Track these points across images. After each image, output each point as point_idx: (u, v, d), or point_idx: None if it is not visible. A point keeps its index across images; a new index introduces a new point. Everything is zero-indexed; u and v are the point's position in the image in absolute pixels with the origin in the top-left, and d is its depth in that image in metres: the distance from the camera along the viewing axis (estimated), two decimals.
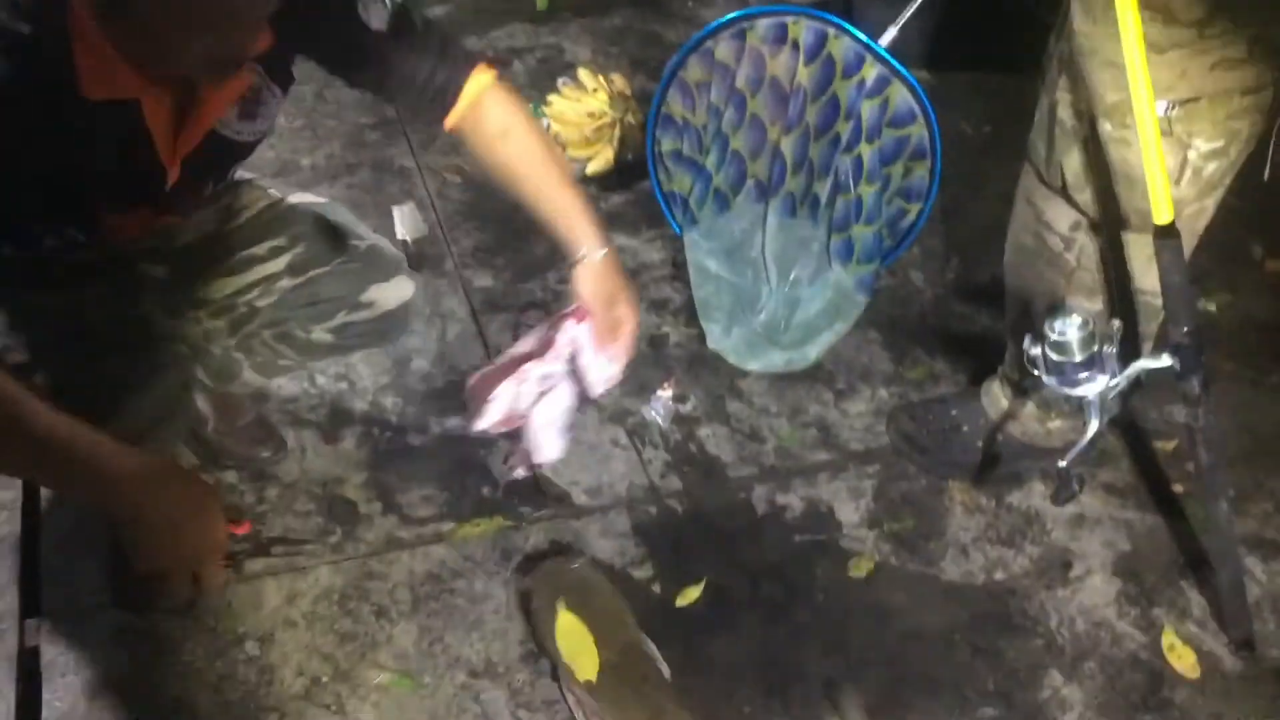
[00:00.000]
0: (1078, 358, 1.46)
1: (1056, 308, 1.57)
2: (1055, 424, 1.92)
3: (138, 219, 1.42)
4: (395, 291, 1.65)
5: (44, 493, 1.81)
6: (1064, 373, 1.48)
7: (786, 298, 2.22)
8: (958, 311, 2.37)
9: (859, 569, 1.84)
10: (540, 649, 1.66)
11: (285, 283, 1.59)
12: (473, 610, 1.73)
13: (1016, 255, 1.85)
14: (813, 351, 2.20)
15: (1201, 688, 1.71)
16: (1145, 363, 1.49)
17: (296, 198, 1.64)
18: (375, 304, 1.64)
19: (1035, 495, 1.97)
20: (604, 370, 1.55)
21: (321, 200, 1.67)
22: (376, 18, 1.42)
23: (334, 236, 1.62)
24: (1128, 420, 2.09)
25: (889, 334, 2.30)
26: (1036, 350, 1.50)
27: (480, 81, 1.48)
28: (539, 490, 1.92)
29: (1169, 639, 1.76)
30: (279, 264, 1.59)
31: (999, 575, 1.85)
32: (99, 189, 1.32)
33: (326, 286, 1.60)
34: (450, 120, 1.49)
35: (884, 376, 2.21)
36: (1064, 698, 1.68)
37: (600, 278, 1.50)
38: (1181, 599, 1.83)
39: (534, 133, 1.51)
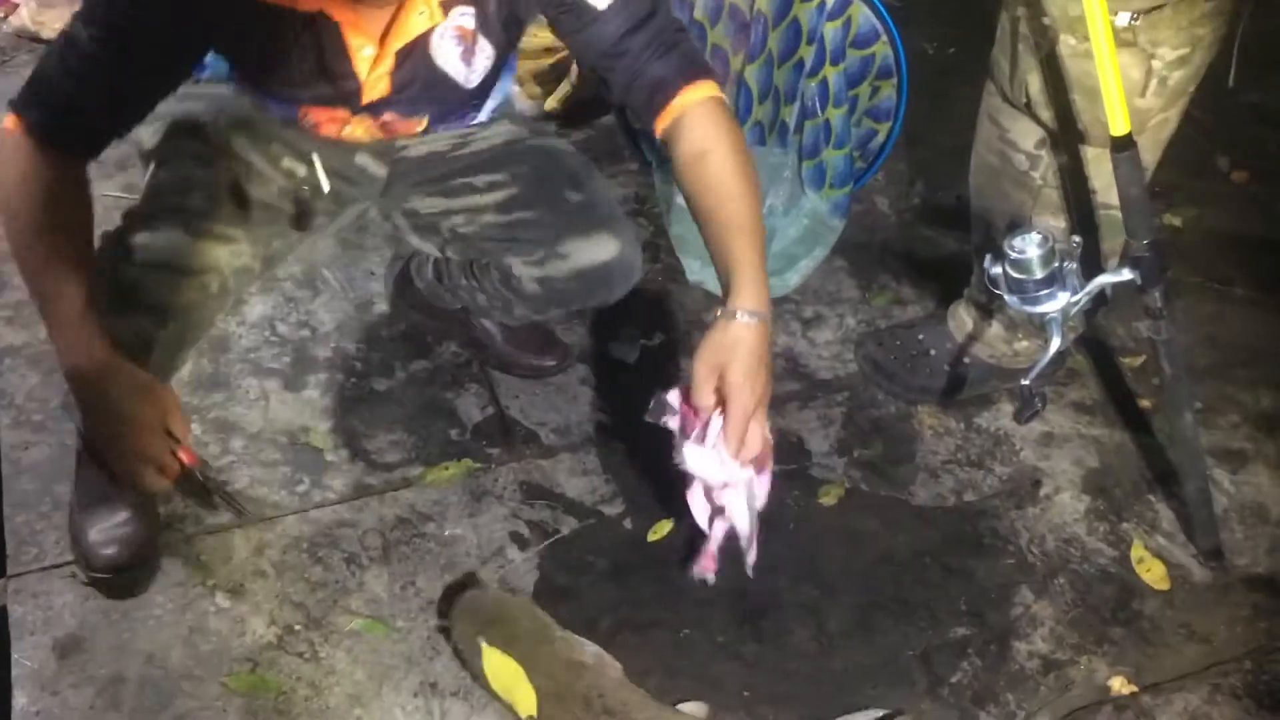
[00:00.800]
0: (1038, 275, 1.45)
1: (1017, 226, 1.55)
2: (1022, 344, 1.92)
3: (335, 119, 1.51)
4: (592, 249, 1.62)
5: (4, 453, 1.79)
6: (1025, 291, 1.47)
7: None
8: (923, 235, 2.36)
9: (829, 496, 1.84)
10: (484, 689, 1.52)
11: (489, 217, 1.64)
12: (444, 553, 1.72)
13: (981, 175, 1.83)
14: (793, 279, 2.19)
15: (1171, 599, 1.73)
16: (1106, 277, 1.48)
17: (539, 140, 1.67)
18: (570, 257, 1.63)
19: (1004, 416, 1.97)
20: (709, 463, 1.29)
21: (565, 146, 1.70)
22: None
23: (554, 183, 1.63)
24: (1094, 338, 2.10)
25: (855, 261, 2.28)
26: (997, 269, 1.49)
27: (697, 93, 1.37)
28: (507, 431, 1.91)
29: (1138, 552, 1.78)
30: (489, 199, 1.64)
31: (969, 496, 1.86)
32: (300, 82, 1.44)
33: (527, 230, 1.64)
34: (660, 125, 1.38)
35: (851, 304, 2.20)
36: (1035, 614, 1.70)
37: (719, 341, 1.26)
38: (1150, 513, 1.84)
39: (733, 164, 1.33)
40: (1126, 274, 1.47)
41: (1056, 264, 1.46)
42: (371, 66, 1.43)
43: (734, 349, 1.26)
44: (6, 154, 1.30)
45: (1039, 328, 1.84)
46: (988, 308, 1.92)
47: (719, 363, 1.26)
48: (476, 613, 1.55)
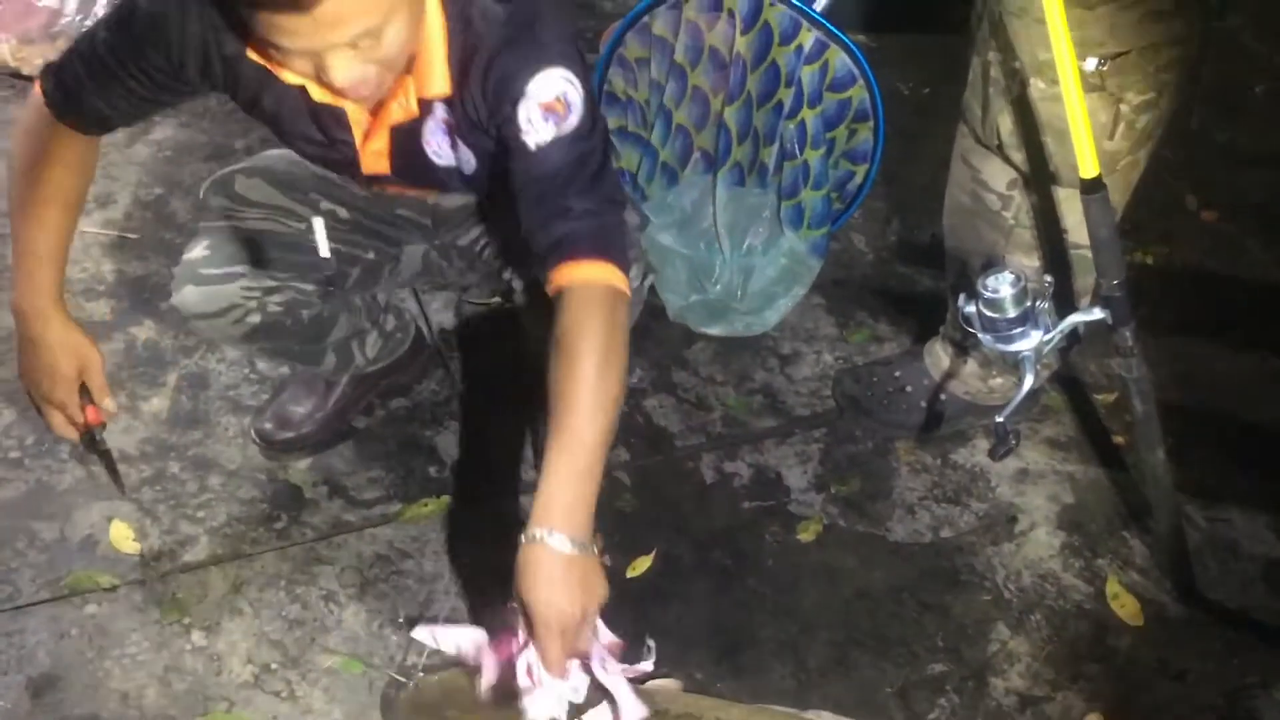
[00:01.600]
0: (1011, 314, 1.46)
1: (990, 265, 1.57)
2: (996, 381, 1.94)
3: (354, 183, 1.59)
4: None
5: None
6: (998, 329, 1.48)
7: (741, 266, 2.22)
8: (900, 273, 2.38)
9: (807, 532, 1.85)
10: None
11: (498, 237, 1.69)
12: (422, 590, 1.72)
13: (955, 215, 1.86)
14: (772, 317, 2.21)
15: (1146, 635, 1.74)
16: (1078, 316, 1.50)
17: None
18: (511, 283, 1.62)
19: (979, 453, 1.99)
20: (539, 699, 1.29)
21: None
22: (537, 133, 1.31)
23: None
24: (1068, 375, 2.12)
25: (832, 298, 2.31)
26: (971, 308, 1.50)
27: (595, 272, 1.30)
28: (487, 468, 1.91)
29: (1113, 588, 1.79)
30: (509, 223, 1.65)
31: (945, 533, 1.87)
32: (306, 141, 1.49)
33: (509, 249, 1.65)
34: (551, 284, 1.32)
35: (828, 341, 2.22)
36: (1011, 650, 1.71)
37: (520, 567, 1.23)
38: (1124, 549, 1.86)
39: (591, 371, 1.25)
40: (1098, 313, 1.49)
41: (1029, 303, 1.48)
42: (365, 136, 1.43)
43: (531, 572, 1.23)
44: (27, 109, 1.45)
45: (1013, 365, 1.86)
46: (963, 345, 1.94)
47: (522, 589, 1.24)
48: (424, 706, 1.51)
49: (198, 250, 1.57)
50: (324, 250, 1.58)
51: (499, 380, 2.05)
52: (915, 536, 1.87)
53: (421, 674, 1.55)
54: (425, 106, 1.39)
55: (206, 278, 1.56)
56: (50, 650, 1.59)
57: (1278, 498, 1.94)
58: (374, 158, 1.46)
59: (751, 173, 2.25)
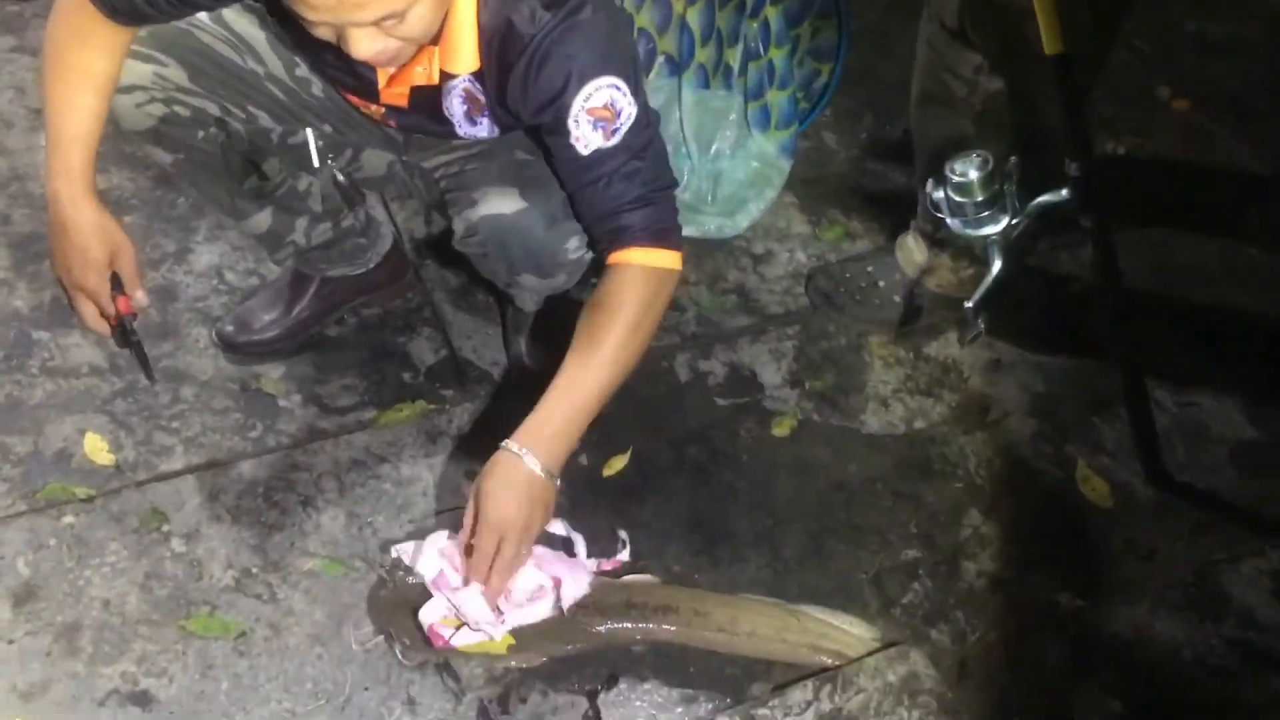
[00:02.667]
0: (979, 197, 1.46)
1: (958, 151, 1.57)
2: (967, 273, 1.94)
3: (365, 105, 1.54)
4: (496, 200, 1.56)
5: None
6: (966, 214, 1.49)
7: (710, 171, 2.20)
8: (872, 170, 2.37)
9: (782, 428, 1.87)
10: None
11: (458, 166, 1.67)
12: (400, 493, 1.73)
13: (922, 103, 1.84)
14: (743, 220, 2.20)
15: (1115, 517, 1.77)
16: (1045, 198, 1.50)
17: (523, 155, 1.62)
18: (478, 204, 1.59)
19: (952, 345, 2.00)
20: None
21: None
22: (585, 140, 1.37)
23: (518, 141, 1.61)
24: (1039, 266, 2.12)
25: (805, 196, 2.29)
26: (940, 193, 1.50)
27: (650, 257, 1.42)
28: (461, 373, 1.91)
29: (1083, 472, 1.82)
30: (474, 149, 1.66)
31: (919, 424, 1.89)
32: (330, 65, 1.48)
33: (469, 176, 1.64)
34: (609, 259, 1.45)
35: (801, 239, 2.21)
36: (983, 535, 1.73)
37: (491, 473, 1.41)
38: (1094, 434, 1.88)
39: (620, 333, 1.40)
40: (1064, 195, 1.49)
41: (997, 186, 1.48)
42: (389, 81, 1.44)
43: (496, 476, 1.40)
44: None
45: (983, 256, 1.86)
46: (935, 237, 1.94)
47: (482, 488, 1.41)
48: (403, 603, 1.54)
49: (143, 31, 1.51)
50: (316, 161, 1.56)
51: (469, 286, 2.04)
52: (889, 428, 1.88)
53: (401, 573, 1.57)
54: (447, 77, 1.41)
55: (129, 51, 1.48)
56: (29, 561, 1.59)
57: (1246, 381, 1.96)
58: (394, 96, 1.47)
59: (716, 75, 2.22)
